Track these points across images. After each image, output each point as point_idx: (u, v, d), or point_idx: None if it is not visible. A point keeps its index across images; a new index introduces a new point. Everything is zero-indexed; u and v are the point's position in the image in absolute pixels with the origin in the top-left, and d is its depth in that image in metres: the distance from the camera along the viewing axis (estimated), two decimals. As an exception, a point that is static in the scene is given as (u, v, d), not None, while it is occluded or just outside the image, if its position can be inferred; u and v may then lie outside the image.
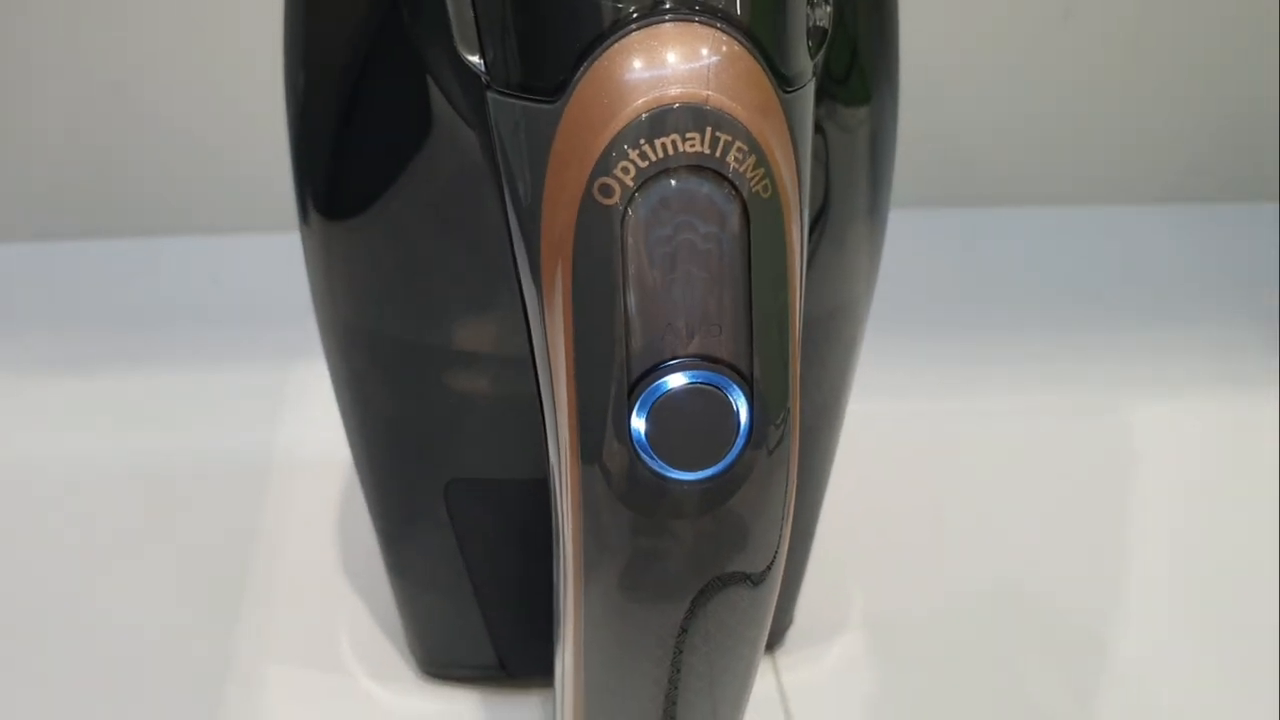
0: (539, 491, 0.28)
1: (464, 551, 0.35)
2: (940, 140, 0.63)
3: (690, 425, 0.23)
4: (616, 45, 0.22)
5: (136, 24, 0.57)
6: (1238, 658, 0.41)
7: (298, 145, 0.30)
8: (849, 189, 0.31)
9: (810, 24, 0.24)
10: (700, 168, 0.22)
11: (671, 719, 0.27)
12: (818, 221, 0.31)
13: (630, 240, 0.22)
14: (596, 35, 0.22)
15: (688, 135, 0.22)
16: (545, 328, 0.23)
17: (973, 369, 0.53)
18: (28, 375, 0.52)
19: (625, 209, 0.22)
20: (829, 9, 0.25)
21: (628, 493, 0.23)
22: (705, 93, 0.22)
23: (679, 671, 0.26)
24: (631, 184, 0.22)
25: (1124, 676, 0.40)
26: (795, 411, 0.24)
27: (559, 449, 0.24)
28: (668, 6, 0.22)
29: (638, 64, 0.22)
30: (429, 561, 0.36)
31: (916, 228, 0.53)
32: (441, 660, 0.39)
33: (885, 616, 0.42)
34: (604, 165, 0.22)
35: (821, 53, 0.25)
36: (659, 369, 0.23)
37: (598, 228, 0.22)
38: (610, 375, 0.23)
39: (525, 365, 0.25)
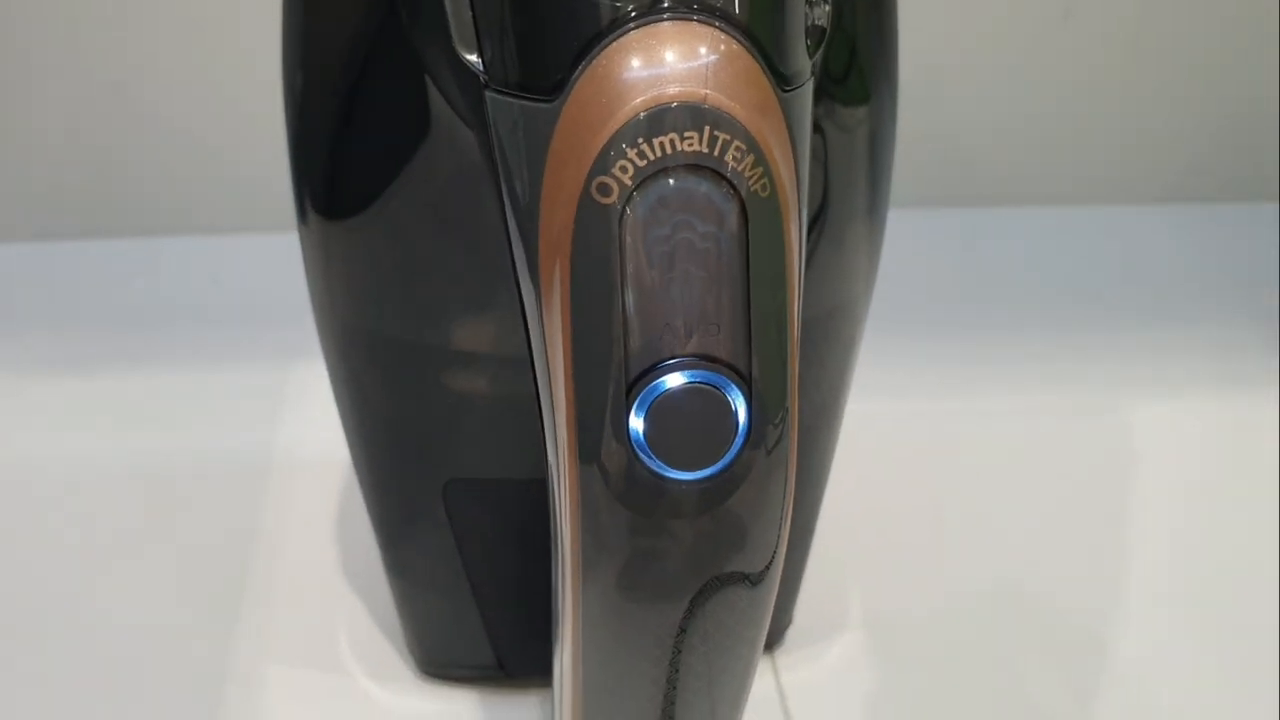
0: (537, 491, 0.28)
1: (463, 551, 0.35)
2: (940, 140, 0.63)
3: (688, 425, 0.23)
4: (615, 44, 0.22)
5: (136, 24, 0.57)
6: (1238, 658, 0.41)
7: (296, 145, 0.30)
8: (848, 188, 0.31)
9: (809, 23, 0.24)
10: (698, 167, 0.22)
11: (670, 719, 0.27)
12: (817, 221, 0.31)
13: (628, 239, 0.22)
14: (595, 34, 0.22)
15: (686, 134, 0.22)
16: (543, 327, 0.23)
17: (973, 369, 0.53)
18: (28, 375, 0.52)
19: (623, 208, 0.22)
20: (827, 8, 0.25)
21: (626, 492, 0.23)
22: (703, 92, 0.22)
23: (677, 671, 0.26)
24: (630, 183, 0.22)
25: (1124, 676, 0.40)
26: (794, 411, 0.24)
27: (557, 449, 0.24)
28: (666, 5, 0.22)
29: (636, 63, 0.22)
30: (428, 561, 0.36)
31: (916, 227, 0.53)
32: (440, 660, 0.39)
33: (884, 616, 0.42)
34: (602, 164, 0.22)
35: (820, 52, 0.25)
36: (657, 368, 0.23)
37: (596, 227, 0.22)
38: (608, 375, 0.23)
39: (524, 365, 0.25)
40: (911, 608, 0.42)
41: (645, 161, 0.22)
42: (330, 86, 0.29)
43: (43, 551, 0.44)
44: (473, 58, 0.24)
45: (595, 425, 0.23)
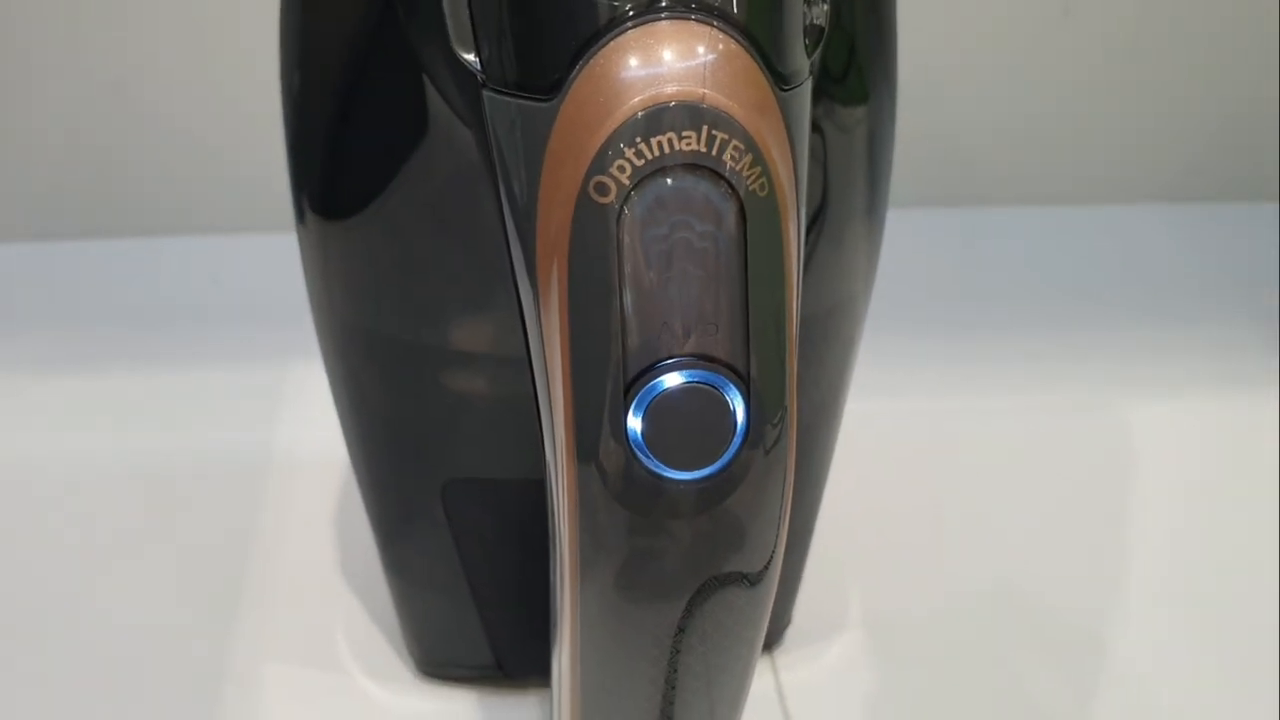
0: (536, 491, 0.28)
1: (461, 551, 0.35)
2: (940, 140, 0.63)
3: (687, 425, 0.23)
4: (612, 43, 0.22)
5: (136, 24, 0.57)
6: (1238, 658, 0.41)
7: (294, 145, 0.30)
8: (847, 188, 0.31)
9: (807, 22, 0.24)
10: (696, 166, 0.22)
11: (669, 719, 0.27)
12: (816, 220, 0.31)
13: (626, 239, 0.22)
14: (592, 33, 0.22)
15: (684, 133, 0.22)
16: (541, 327, 0.23)
17: (972, 368, 0.53)
18: (28, 375, 0.52)
19: (621, 207, 0.22)
20: (826, 7, 0.24)
21: (624, 492, 0.23)
22: (701, 91, 0.22)
23: (676, 671, 0.26)
24: (627, 182, 0.22)
25: (1124, 676, 0.40)
26: (793, 411, 0.24)
27: (555, 449, 0.24)
28: (664, 4, 0.22)
29: (634, 62, 0.22)
30: (426, 561, 0.36)
31: (915, 227, 0.53)
32: (439, 660, 0.39)
33: (884, 616, 0.42)
34: (600, 164, 0.22)
35: (818, 51, 0.25)
36: (655, 368, 0.23)
37: (593, 226, 0.22)
38: (606, 374, 0.23)
39: (522, 365, 0.25)
40: (911, 607, 0.42)
41: (643, 161, 0.22)
42: (328, 86, 0.29)
43: (42, 551, 0.44)
44: (470, 57, 0.23)
45: (593, 425, 0.23)
